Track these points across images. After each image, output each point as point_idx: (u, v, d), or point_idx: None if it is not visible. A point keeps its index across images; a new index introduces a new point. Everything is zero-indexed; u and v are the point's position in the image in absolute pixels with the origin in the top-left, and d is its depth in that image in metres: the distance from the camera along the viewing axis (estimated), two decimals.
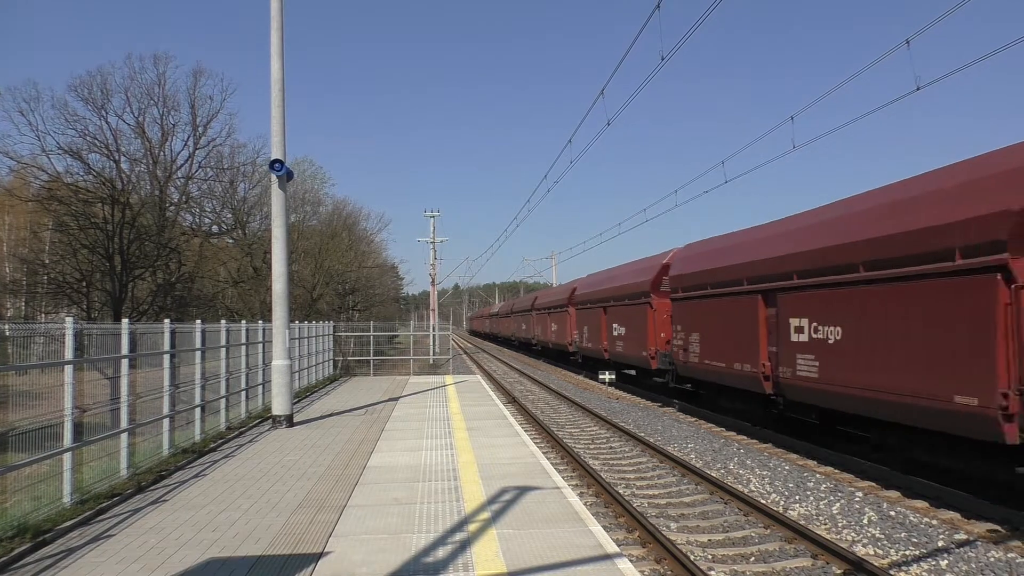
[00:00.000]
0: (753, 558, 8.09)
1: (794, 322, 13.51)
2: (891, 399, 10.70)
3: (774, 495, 10.71)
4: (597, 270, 31.87)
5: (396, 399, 18.98)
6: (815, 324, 12.79)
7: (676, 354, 20.20)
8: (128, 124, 35.91)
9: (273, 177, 14.12)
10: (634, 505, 9.96)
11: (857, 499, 10.09)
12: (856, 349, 11.59)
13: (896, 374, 10.59)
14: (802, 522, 9.23)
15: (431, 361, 44.33)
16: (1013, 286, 8.70)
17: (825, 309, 12.48)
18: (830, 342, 12.29)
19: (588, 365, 31.75)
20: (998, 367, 8.74)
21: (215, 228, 41.46)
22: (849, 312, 11.79)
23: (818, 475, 11.75)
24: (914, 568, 7.61)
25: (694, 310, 18.86)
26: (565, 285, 42.00)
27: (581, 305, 31.89)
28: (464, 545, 6.62)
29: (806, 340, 13.06)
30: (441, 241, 58.44)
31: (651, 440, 15.18)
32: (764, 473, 11.93)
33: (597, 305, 28.96)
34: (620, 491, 10.88)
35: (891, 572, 7.44)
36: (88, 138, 33.95)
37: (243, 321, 17.03)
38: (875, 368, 11.08)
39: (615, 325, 26.65)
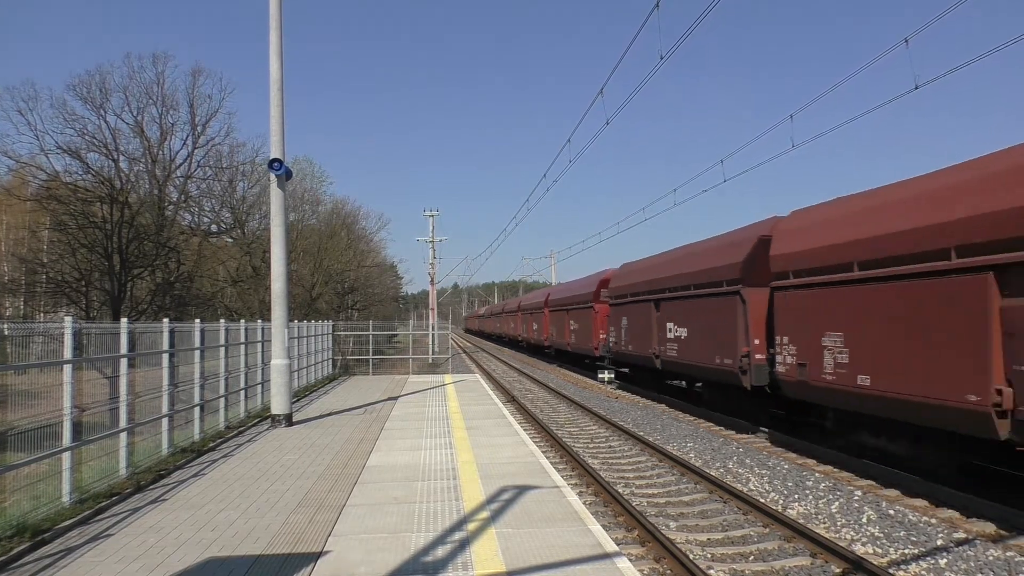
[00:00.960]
0: (752, 557, 8.10)
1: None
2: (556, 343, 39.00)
3: (773, 494, 10.71)
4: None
5: (395, 398, 18.98)
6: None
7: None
8: (127, 123, 35.85)
9: (272, 176, 14.11)
10: (633, 504, 9.96)
11: (856, 498, 10.10)
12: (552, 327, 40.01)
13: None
14: (801, 521, 9.23)
15: (430, 360, 44.34)
16: None
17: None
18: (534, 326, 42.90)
19: (527, 347, 54.74)
20: None
21: (214, 227, 41.41)
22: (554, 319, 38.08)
23: (817, 474, 11.76)
24: (913, 567, 7.62)
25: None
26: (516, 299, 67.03)
27: (524, 311, 53.19)
28: (463, 544, 6.63)
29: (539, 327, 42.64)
30: (440, 240, 58.50)
31: (650, 439, 15.18)
32: (763, 472, 11.94)
33: (530, 311, 49.90)
34: (619, 490, 10.88)
35: (890, 571, 7.44)
36: (87, 137, 33.89)
37: (242, 320, 17.03)
38: (562, 332, 35.53)
39: (532, 324, 49.14)
